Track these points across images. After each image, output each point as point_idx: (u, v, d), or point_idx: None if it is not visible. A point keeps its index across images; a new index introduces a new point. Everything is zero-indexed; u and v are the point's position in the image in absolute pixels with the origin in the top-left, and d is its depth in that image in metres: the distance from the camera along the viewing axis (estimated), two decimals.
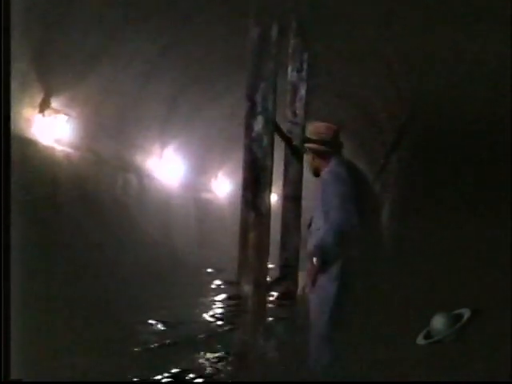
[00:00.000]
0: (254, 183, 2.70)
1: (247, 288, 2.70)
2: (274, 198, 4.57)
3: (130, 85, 7.23)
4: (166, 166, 8.87)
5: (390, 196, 6.88)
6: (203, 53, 7.41)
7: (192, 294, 6.13)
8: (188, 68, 7.69)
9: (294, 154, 3.87)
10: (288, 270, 3.83)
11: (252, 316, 2.69)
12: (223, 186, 11.10)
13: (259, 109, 2.71)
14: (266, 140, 2.72)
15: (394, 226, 6.06)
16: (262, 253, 2.75)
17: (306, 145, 2.94)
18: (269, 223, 2.78)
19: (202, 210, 10.50)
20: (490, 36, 3.60)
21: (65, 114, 6.24)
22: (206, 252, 9.30)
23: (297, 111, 3.93)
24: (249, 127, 2.73)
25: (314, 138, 2.90)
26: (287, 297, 3.68)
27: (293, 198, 3.94)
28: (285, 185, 3.96)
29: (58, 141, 6.25)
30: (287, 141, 3.72)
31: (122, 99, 7.28)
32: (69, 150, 6.53)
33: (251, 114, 2.73)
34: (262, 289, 2.78)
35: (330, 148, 2.86)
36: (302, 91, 3.91)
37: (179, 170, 9.24)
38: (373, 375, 2.53)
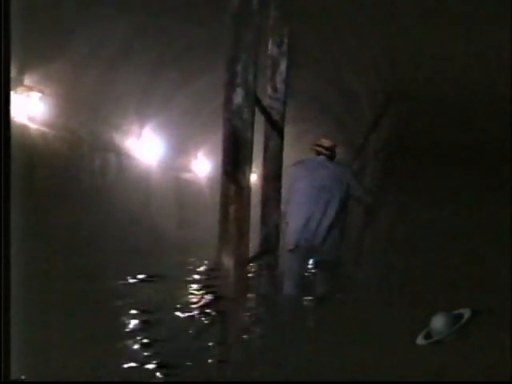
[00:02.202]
0: (235, 156, 2.66)
1: (228, 262, 2.68)
2: (254, 176, 4.58)
3: (106, 62, 7.07)
4: (144, 146, 8.76)
5: (369, 177, 6.91)
6: (182, 29, 7.26)
7: (172, 272, 6.12)
8: (166, 44, 7.54)
9: (275, 128, 3.83)
10: (268, 244, 3.83)
11: (233, 290, 2.68)
12: (203, 166, 11.02)
13: (239, 80, 2.66)
14: (246, 112, 2.68)
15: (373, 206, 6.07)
16: (243, 226, 2.72)
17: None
18: (249, 196, 2.75)
19: (182, 189, 10.43)
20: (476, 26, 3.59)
21: (38, 91, 6.08)
22: (186, 231, 9.26)
23: (277, 86, 3.88)
24: (228, 100, 2.68)
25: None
26: (268, 271, 3.69)
27: (273, 172, 3.92)
28: (265, 160, 3.93)
29: (31, 119, 6.10)
30: (268, 116, 3.68)
31: (98, 76, 7.11)
32: (43, 128, 6.38)
33: (231, 86, 2.67)
34: (243, 262, 2.76)
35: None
36: (283, 66, 3.85)
37: (158, 150, 9.13)
38: (372, 375, 2.53)
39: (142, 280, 5.45)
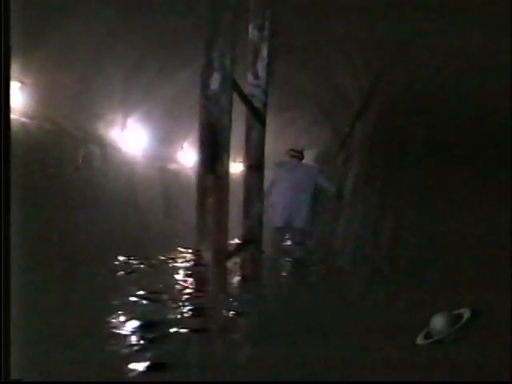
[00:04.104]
0: (212, 145, 2.57)
1: (207, 254, 2.60)
2: (238, 167, 4.57)
3: (89, 51, 6.91)
4: (129, 136, 8.62)
5: (354, 165, 6.87)
6: (166, 18, 7.12)
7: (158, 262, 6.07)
8: (151, 33, 7.39)
9: (256, 117, 3.73)
10: (252, 236, 3.75)
11: (213, 282, 2.60)
12: (189, 157, 10.90)
13: (216, 65, 2.56)
14: (223, 99, 2.58)
15: (357, 196, 6.07)
16: (221, 218, 2.64)
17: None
18: (228, 187, 2.66)
19: (168, 180, 10.31)
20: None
21: (18, 81, 5.93)
22: (172, 222, 9.17)
23: (259, 73, 3.77)
24: (205, 85, 2.58)
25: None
26: (251, 263, 3.61)
27: (255, 162, 3.83)
28: (247, 150, 3.84)
29: (11, 110, 5.95)
30: (248, 103, 3.58)
31: (80, 66, 6.96)
32: (24, 119, 6.23)
33: (207, 72, 2.57)
34: (222, 255, 2.68)
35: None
36: (264, 52, 3.74)
37: (143, 140, 9.00)
38: (373, 375, 2.49)
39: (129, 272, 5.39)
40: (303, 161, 6.77)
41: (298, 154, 6.59)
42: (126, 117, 8.58)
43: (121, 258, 6.06)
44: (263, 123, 3.73)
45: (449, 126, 3.89)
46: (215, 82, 2.56)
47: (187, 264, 5.80)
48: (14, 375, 1.58)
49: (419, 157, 4.33)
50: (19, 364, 1.71)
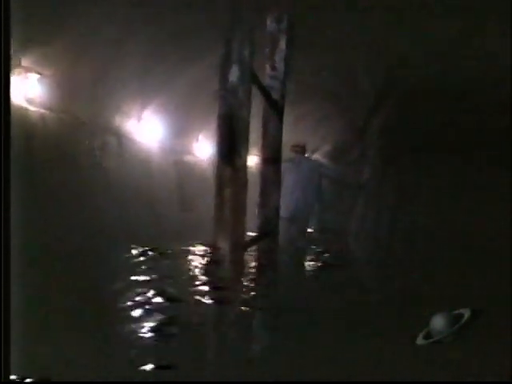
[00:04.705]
0: (230, 136, 2.58)
1: (224, 246, 2.61)
2: (253, 159, 4.60)
3: (106, 42, 6.93)
4: (145, 128, 8.65)
5: (370, 161, 6.87)
6: (183, 8, 7.10)
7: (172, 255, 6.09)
8: (167, 24, 7.38)
9: (274, 109, 3.73)
10: (268, 228, 3.76)
11: (230, 274, 2.62)
12: (205, 149, 10.91)
13: (235, 57, 2.56)
14: (242, 91, 2.58)
15: (374, 191, 6.05)
16: (239, 210, 2.65)
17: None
18: (246, 179, 2.67)
19: (183, 173, 10.34)
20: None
21: (36, 73, 5.98)
22: (187, 215, 9.20)
23: (276, 65, 3.76)
24: (224, 77, 2.59)
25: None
26: (267, 255, 3.63)
27: (272, 155, 3.83)
28: (263, 142, 3.84)
29: (30, 101, 6.00)
30: (266, 95, 3.58)
31: (97, 57, 6.99)
32: (43, 110, 6.29)
33: (226, 63, 2.58)
34: (240, 246, 2.69)
35: None
36: (282, 44, 3.73)
37: (159, 132, 9.02)
38: (372, 375, 2.50)
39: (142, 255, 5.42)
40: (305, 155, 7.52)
41: (302, 150, 7.35)
42: (142, 108, 8.62)
43: (134, 248, 6.09)
44: (281, 115, 3.73)
45: (465, 118, 3.86)
46: (234, 74, 2.57)
47: (203, 255, 5.83)
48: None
49: (434, 150, 4.30)
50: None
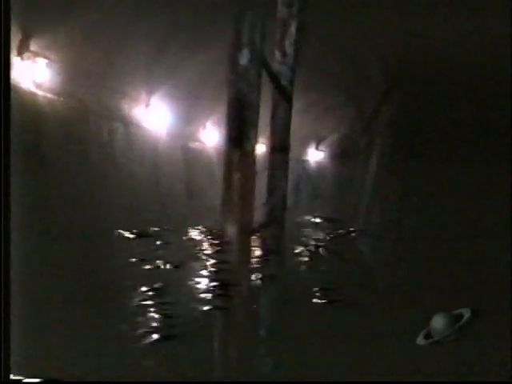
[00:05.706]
0: (240, 120, 2.56)
1: (231, 230, 2.61)
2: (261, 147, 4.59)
3: (114, 28, 6.89)
4: (152, 114, 8.64)
5: (378, 148, 6.80)
6: None
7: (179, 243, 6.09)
8: (175, 12, 7.34)
9: (283, 95, 3.71)
10: (275, 214, 3.75)
11: (236, 257, 2.62)
12: (212, 136, 10.89)
13: (245, 40, 2.53)
14: (252, 74, 2.56)
15: (382, 178, 6.01)
16: (247, 194, 2.64)
17: None
18: (254, 163, 2.66)
19: (190, 159, 10.34)
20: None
21: (45, 58, 5.97)
22: (194, 202, 9.21)
23: (286, 50, 3.73)
24: (233, 61, 2.56)
25: None
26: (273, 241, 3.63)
27: (281, 141, 3.82)
28: (272, 129, 3.82)
29: (38, 86, 6.00)
30: (276, 80, 3.56)
31: (106, 43, 6.96)
32: (51, 95, 6.28)
33: (236, 47, 2.55)
34: (247, 230, 2.69)
35: None
36: (292, 29, 3.70)
37: (166, 118, 9.01)
38: (372, 375, 2.50)
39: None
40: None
41: None
42: (149, 95, 8.60)
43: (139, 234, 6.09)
44: (290, 101, 3.70)
45: (473, 109, 3.83)
46: (244, 58, 2.54)
47: (210, 240, 5.84)
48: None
49: (443, 141, 4.27)
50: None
